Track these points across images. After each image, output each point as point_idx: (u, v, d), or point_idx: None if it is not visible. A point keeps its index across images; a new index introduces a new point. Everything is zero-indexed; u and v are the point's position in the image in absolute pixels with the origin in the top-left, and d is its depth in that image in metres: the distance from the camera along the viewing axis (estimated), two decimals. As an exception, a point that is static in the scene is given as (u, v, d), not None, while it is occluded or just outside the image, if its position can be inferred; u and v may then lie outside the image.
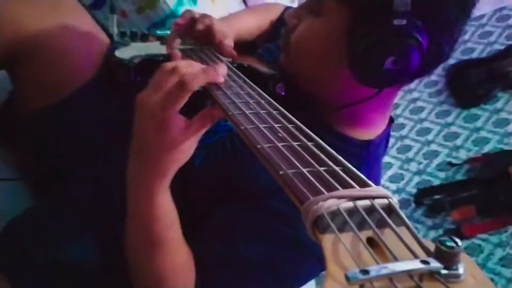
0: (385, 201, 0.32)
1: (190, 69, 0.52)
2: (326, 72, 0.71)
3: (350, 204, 0.32)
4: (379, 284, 0.25)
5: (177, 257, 0.62)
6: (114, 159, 0.82)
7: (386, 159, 1.97)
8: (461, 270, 0.26)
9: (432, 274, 0.26)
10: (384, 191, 0.33)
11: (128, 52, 0.83)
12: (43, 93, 0.88)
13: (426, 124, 2.09)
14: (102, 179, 0.83)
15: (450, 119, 2.06)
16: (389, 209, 0.31)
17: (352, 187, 0.34)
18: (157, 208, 0.57)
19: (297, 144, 0.42)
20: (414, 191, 1.89)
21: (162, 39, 0.89)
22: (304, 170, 0.37)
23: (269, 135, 0.44)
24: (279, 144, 0.42)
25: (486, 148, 1.91)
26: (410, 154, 2.02)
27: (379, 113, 0.76)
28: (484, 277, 0.27)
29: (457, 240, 0.27)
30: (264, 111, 0.49)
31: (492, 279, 1.01)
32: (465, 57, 2.15)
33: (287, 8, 1.03)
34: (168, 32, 0.82)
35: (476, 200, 1.74)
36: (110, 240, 0.78)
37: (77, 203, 0.82)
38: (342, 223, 0.31)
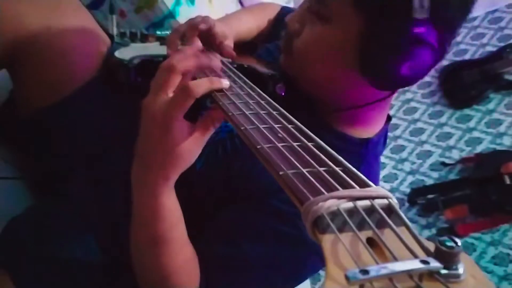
0: (385, 201, 0.32)
1: (186, 61, 0.53)
2: (333, 76, 0.69)
3: (350, 204, 0.31)
4: (379, 284, 0.25)
5: (181, 256, 0.62)
6: (114, 159, 0.83)
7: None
8: (461, 270, 0.26)
9: (432, 274, 0.26)
10: (384, 191, 0.32)
11: (128, 52, 0.83)
12: (43, 92, 0.88)
13: (419, 125, 2.10)
14: (102, 179, 0.83)
15: (443, 119, 2.07)
16: (389, 209, 0.31)
17: (352, 187, 0.34)
18: (162, 208, 0.57)
19: (297, 145, 0.41)
20: (407, 190, 1.90)
21: (161, 40, 0.89)
22: (304, 171, 0.37)
23: (269, 136, 0.43)
24: (279, 145, 0.42)
25: (479, 148, 1.92)
26: (404, 154, 2.03)
27: (379, 112, 0.76)
28: (484, 277, 0.27)
29: (457, 240, 0.27)
30: (264, 112, 0.49)
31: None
32: (458, 59, 2.17)
33: (283, 8, 1.03)
34: (168, 32, 0.82)
35: (468, 200, 1.75)
36: (110, 240, 0.78)
37: (77, 203, 0.82)
38: (342, 223, 0.31)
